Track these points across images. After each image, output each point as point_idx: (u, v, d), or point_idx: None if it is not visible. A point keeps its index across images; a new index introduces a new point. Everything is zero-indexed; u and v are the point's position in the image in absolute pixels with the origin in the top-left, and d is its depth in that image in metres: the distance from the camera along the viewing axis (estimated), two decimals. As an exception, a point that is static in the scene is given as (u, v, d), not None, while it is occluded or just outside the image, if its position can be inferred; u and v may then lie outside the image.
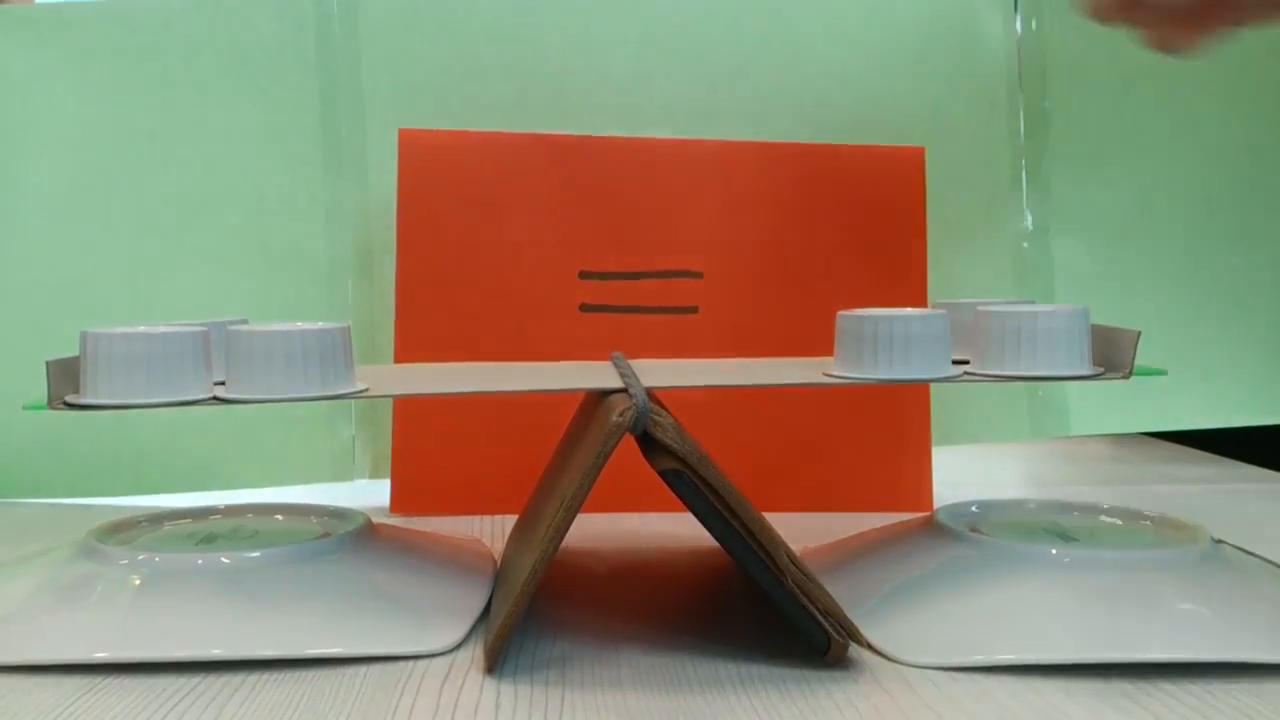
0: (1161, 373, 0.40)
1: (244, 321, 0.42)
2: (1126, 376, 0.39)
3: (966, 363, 0.41)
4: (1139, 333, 0.39)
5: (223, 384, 0.38)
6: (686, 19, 0.63)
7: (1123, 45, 0.66)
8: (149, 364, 0.36)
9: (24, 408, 0.38)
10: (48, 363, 0.37)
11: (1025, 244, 0.66)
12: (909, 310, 0.40)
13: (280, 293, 0.61)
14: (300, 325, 0.38)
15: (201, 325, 0.39)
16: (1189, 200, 0.66)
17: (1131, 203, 0.67)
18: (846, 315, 0.40)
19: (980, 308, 0.41)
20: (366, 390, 0.40)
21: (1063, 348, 0.39)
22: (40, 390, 0.37)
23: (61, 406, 0.37)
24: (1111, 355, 0.40)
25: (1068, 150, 0.67)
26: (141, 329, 0.37)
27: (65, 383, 0.37)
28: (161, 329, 0.37)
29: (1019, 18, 0.66)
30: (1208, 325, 0.66)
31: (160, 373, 0.36)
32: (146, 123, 0.62)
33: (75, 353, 0.37)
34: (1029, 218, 0.67)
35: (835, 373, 0.41)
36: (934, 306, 0.44)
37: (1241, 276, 0.66)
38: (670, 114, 0.63)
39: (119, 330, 0.36)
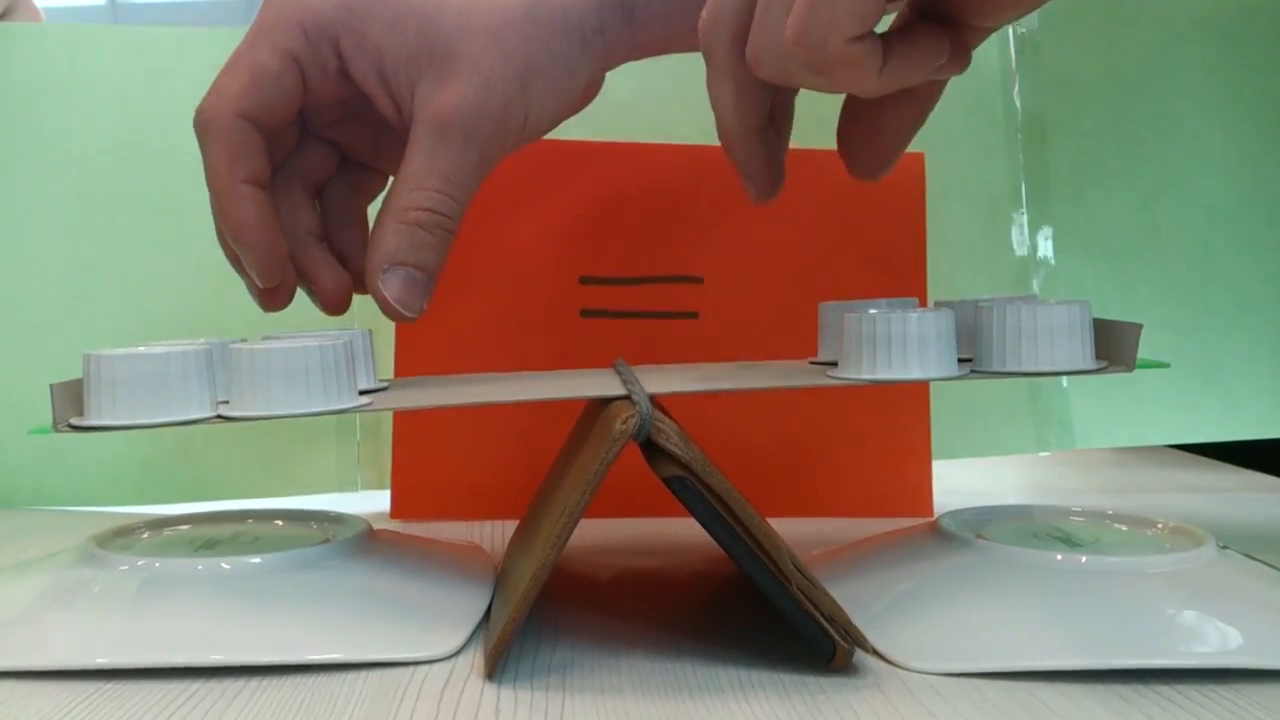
0: (1165, 365, 0.40)
1: (244, 341, 0.42)
2: (1130, 370, 0.39)
3: (970, 361, 0.41)
4: (1141, 326, 0.39)
5: (227, 402, 0.38)
6: None
7: (1118, 55, 0.66)
8: (152, 384, 0.36)
9: (29, 432, 0.38)
10: (52, 386, 0.37)
11: (1026, 257, 0.66)
12: (913, 310, 0.40)
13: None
14: (301, 341, 0.38)
15: (204, 344, 0.39)
16: (1191, 211, 0.66)
17: (1133, 214, 0.66)
18: (850, 315, 0.40)
19: (981, 304, 0.41)
20: (369, 404, 0.39)
21: (1064, 343, 0.38)
22: (45, 407, 0.37)
23: (66, 429, 0.37)
24: (1114, 350, 0.40)
25: (1067, 162, 0.66)
26: (142, 350, 0.37)
27: (69, 405, 0.37)
28: (163, 349, 0.37)
29: (1011, 29, 0.66)
30: (1213, 337, 0.66)
31: (164, 393, 0.36)
32: (154, 143, 0.62)
33: (80, 366, 0.37)
34: (1029, 230, 0.66)
35: (838, 374, 0.40)
36: (935, 306, 0.44)
37: (1247, 288, 0.66)
38: (671, 133, 0.62)
39: (121, 352, 0.37)
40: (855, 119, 0.43)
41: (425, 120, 0.42)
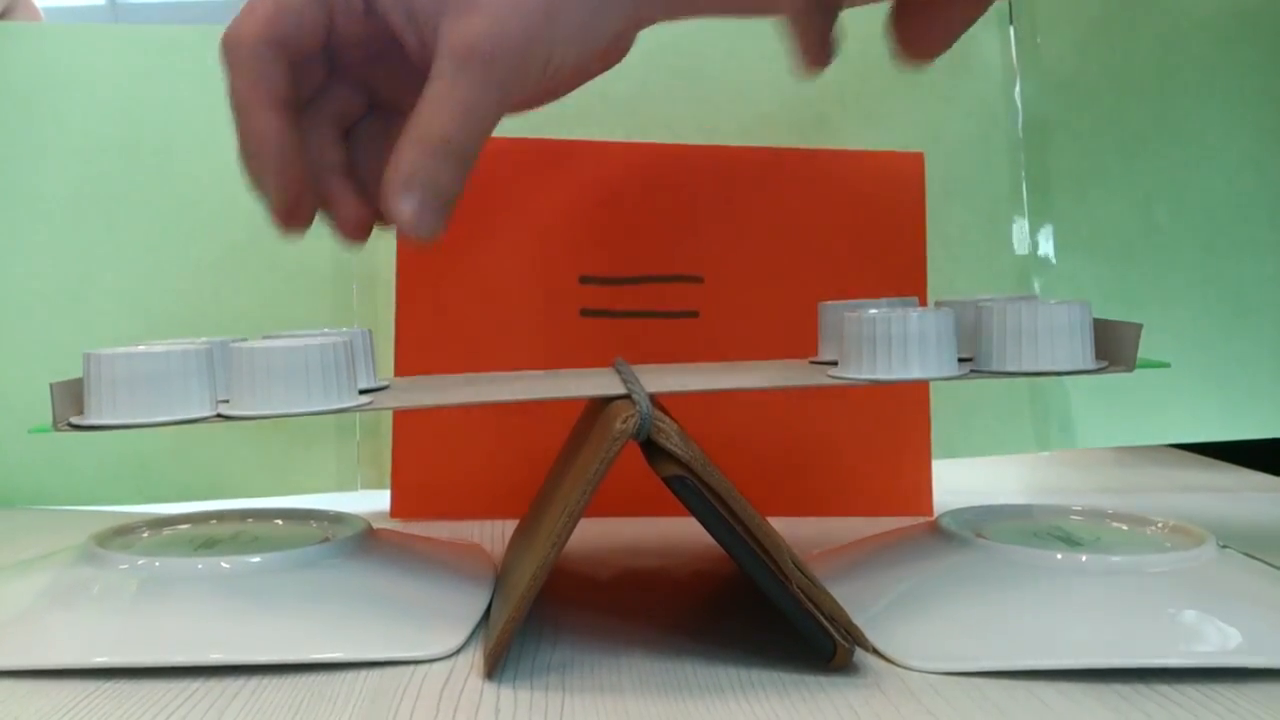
0: (1165, 365, 0.40)
1: (244, 340, 0.42)
2: (1130, 370, 0.39)
3: (970, 361, 0.41)
4: (1141, 326, 0.39)
5: (227, 401, 0.38)
6: (688, 41, 0.63)
7: (1119, 55, 0.66)
8: (152, 383, 0.36)
9: (30, 431, 0.38)
10: (52, 385, 0.37)
11: (1026, 257, 0.66)
12: (913, 310, 0.40)
13: (286, 304, 0.61)
14: (301, 340, 0.38)
15: (204, 343, 0.39)
16: (1192, 211, 0.66)
17: (1134, 214, 0.66)
18: (850, 315, 0.40)
19: (981, 304, 0.41)
20: (369, 404, 0.39)
21: (1065, 343, 0.38)
22: (45, 406, 0.37)
23: (66, 428, 0.37)
24: (1115, 350, 0.40)
25: (1068, 162, 0.66)
26: (142, 349, 0.37)
27: (69, 404, 0.37)
28: (163, 348, 0.37)
29: (1013, 29, 0.66)
30: (1213, 337, 0.66)
31: (164, 391, 0.36)
32: (154, 142, 0.62)
33: (80, 364, 0.37)
34: (1029, 230, 0.66)
35: (839, 374, 0.40)
36: (935, 305, 0.44)
37: (1247, 288, 0.66)
38: (672, 133, 0.62)
39: (121, 351, 0.37)
40: (910, 8, 0.42)
41: (446, 50, 0.42)
